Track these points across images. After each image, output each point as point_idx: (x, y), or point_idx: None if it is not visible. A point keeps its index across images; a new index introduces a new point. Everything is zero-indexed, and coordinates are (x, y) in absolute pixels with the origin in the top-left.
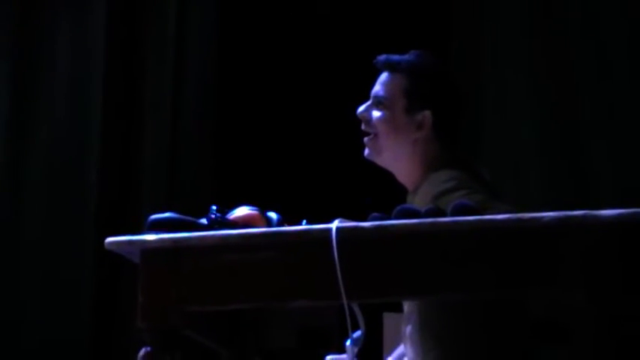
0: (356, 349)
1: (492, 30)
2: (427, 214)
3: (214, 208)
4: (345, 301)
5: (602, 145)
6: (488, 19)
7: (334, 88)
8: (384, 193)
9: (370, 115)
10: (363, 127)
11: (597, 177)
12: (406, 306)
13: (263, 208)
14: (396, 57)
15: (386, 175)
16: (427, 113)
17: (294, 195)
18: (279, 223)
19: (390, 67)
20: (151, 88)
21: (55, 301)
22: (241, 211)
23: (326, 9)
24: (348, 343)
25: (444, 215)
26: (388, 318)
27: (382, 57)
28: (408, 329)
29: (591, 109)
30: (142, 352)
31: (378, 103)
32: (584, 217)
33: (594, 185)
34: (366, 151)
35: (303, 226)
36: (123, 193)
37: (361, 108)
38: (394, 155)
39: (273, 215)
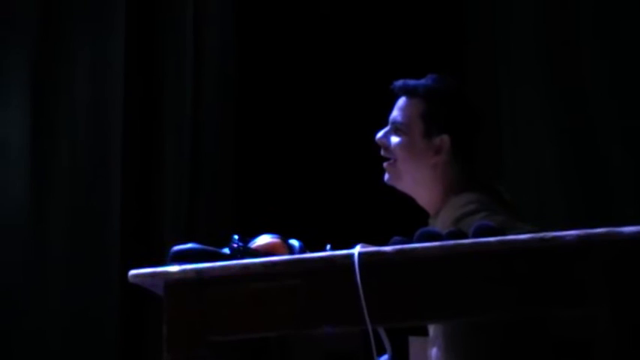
0: None
1: (508, 52)
2: (449, 237)
3: (236, 237)
4: (369, 326)
5: (620, 161)
6: (503, 40)
7: (357, 111)
8: (407, 217)
9: (389, 140)
10: (382, 152)
11: (618, 193)
12: (431, 329)
13: (284, 236)
14: (412, 82)
15: (407, 200)
16: (445, 137)
17: (316, 221)
18: (301, 251)
19: (407, 92)
20: (169, 119)
21: (80, 337)
22: (263, 240)
23: (355, 29)
24: None
25: (466, 237)
26: (414, 342)
27: (399, 82)
28: (434, 352)
29: (608, 125)
30: None
31: (396, 129)
32: (606, 234)
33: (615, 202)
34: (386, 177)
35: (325, 253)
36: (143, 223)
37: (380, 134)
38: (414, 180)
39: (295, 243)
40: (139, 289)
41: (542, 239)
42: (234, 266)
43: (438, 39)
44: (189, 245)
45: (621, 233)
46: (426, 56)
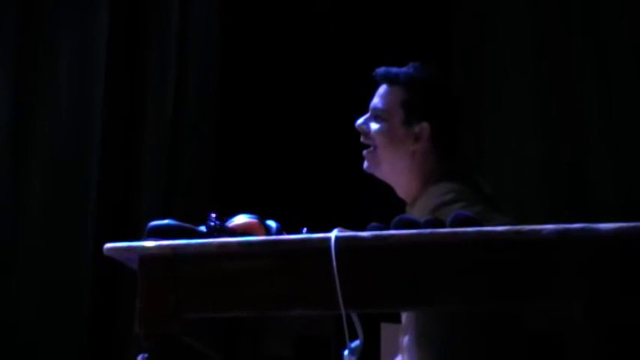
0: (354, 359)
1: (494, 41)
2: (426, 225)
3: (213, 215)
4: (342, 311)
5: (602, 157)
6: (490, 29)
7: (336, 96)
8: (384, 203)
9: (368, 127)
10: (362, 139)
11: (598, 190)
12: (404, 317)
13: (262, 217)
14: (394, 69)
15: (386, 187)
16: (425, 125)
17: (294, 204)
18: (278, 232)
19: (389, 79)
20: (151, 97)
21: (52, 305)
22: (240, 219)
23: (333, 23)
24: (345, 352)
25: (443, 226)
26: (386, 328)
27: (381, 69)
28: (406, 340)
29: (593, 120)
30: (140, 358)
31: (377, 116)
32: (583, 230)
33: (594, 198)
34: (365, 164)
35: (302, 235)
36: (122, 199)
37: (360, 120)
38: (392, 168)
39: (272, 224)
40: (113, 262)
41: (518, 232)
42: (210, 244)
43: (425, 26)
44: (166, 221)
45: (598, 230)
46: (412, 44)
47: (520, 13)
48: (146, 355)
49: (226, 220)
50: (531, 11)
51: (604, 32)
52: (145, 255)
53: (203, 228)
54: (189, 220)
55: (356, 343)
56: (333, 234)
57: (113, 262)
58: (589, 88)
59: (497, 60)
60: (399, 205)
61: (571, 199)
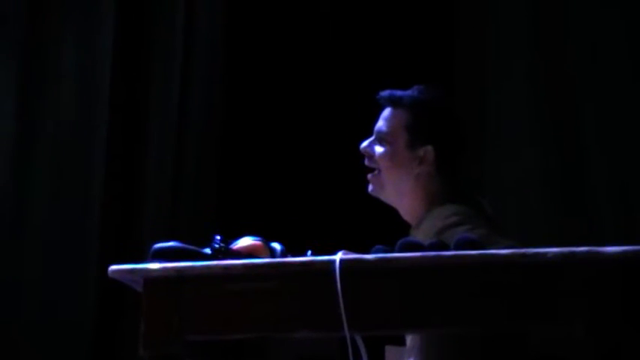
0: None
1: (496, 63)
2: (431, 248)
3: (218, 238)
4: (347, 333)
5: (605, 178)
6: (492, 50)
7: (344, 119)
8: (389, 226)
9: (373, 150)
10: (366, 162)
11: (601, 211)
12: (409, 339)
13: (266, 239)
14: (398, 92)
15: (391, 209)
16: (429, 148)
17: (298, 226)
18: (283, 254)
19: (393, 102)
20: (155, 113)
21: (55, 326)
22: (245, 242)
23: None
24: None
25: (448, 249)
26: (390, 351)
27: (385, 92)
28: None
29: (595, 142)
30: None
31: (381, 139)
32: (587, 253)
33: (597, 219)
34: (370, 187)
35: (307, 257)
36: (125, 220)
37: (364, 143)
38: (397, 191)
39: (276, 246)
40: (117, 284)
41: (523, 255)
42: (215, 266)
43: (427, 49)
44: (170, 243)
45: (602, 253)
46: (415, 65)
47: (520, 33)
48: None
49: (231, 242)
50: (531, 30)
51: (605, 58)
52: (149, 277)
53: (208, 250)
54: (193, 242)
55: None
56: (338, 256)
57: (117, 283)
58: (588, 111)
59: (498, 81)
60: (404, 227)
61: (571, 209)
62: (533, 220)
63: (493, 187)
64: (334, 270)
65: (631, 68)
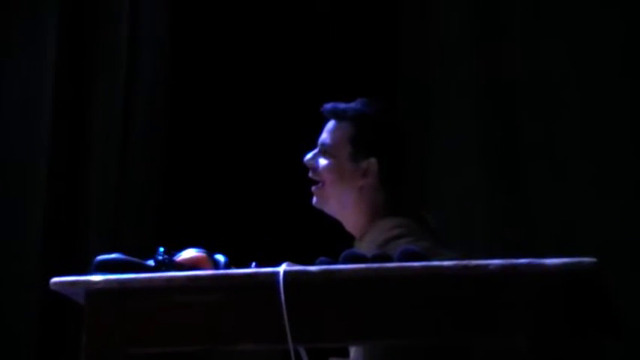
0: None
1: (440, 76)
2: (374, 260)
3: (161, 250)
4: (290, 345)
5: (546, 191)
6: (436, 63)
7: (289, 131)
8: (333, 238)
9: (317, 163)
10: (310, 174)
11: (542, 224)
12: (352, 351)
13: (210, 251)
14: (342, 105)
15: (334, 222)
16: (372, 161)
17: (242, 238)
18: (226, 266)
19: (337, 115)
20: (98, 125)
21: None
22: (188, 254)
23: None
24: None
25: (391, 261)
26: None
27: (329, 105)
28: None
29: (536, 152)
30: None
31: (325, 152)
32: (529, 265)
33: (539, 233)
34: (314, 199)
35: (250, 269)
36: (68, 232)
37: (308, 156)
38: (340, 203)
39: (220, 258)
40: (59, 296)
41: (465, 267)
42: (158, 278)
43: (371, 62)
44: (113, 255)
45: (543, 265)
46: (359, 78)
47: (464, 47)
48: None
49: (174, 255)
50: (474, 44)
51: (543, 57)
52: (92, 289)
53: (151, 262)
54: (136, 255)
55: None
56: (282, 268)
57: (59, 295)
58: (531, 120)
59: (441, 95)
60: (347, 240)
61: (514, 218)
62: (476, 233)
63: (436, 201)
64: (278, 282)
65: (575, 79)
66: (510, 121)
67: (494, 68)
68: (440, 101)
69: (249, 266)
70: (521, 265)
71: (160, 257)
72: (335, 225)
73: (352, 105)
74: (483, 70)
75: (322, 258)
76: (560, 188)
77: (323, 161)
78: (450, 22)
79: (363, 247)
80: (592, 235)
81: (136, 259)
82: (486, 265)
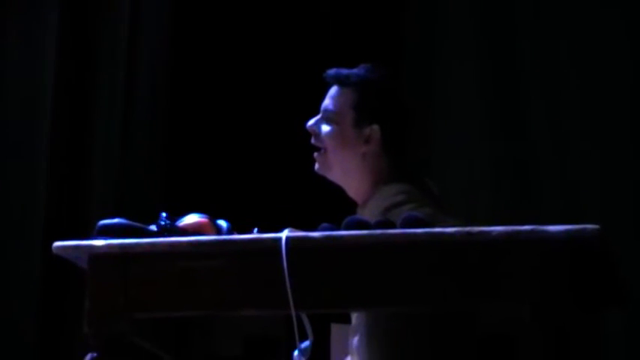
0: None
1: (444, 41)
2: (377, 226)
3: (164, 215)
4: (292, 311)
5: (551, 160)
6: (440, 31)
7: (291, 97)
8: (335, 205)
9: (319, 129)
10: (312, 141)
11: (546, 191)
12: (354, 317)
13: (213, 216)
14: (345, 71)
15: (337, 188)
16: (375, 127)
17: (245, 204)
18: (229, 232)
19: (339, 81)
20: (101, 95)
21: (1, 306)
22: (191, 219)
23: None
24: (295, 353)
25: (394, 227)
26: (336, 329)
27: (332, 71)
28: (356, 340)
29: (540, 123)
30: (88, 357)
31: (327, 118)
32: (532, 232)
33: (543, 200)
34: (316, 166)
35: (253, 235)
36: (72, 198)
37: (310, 122)
38: (343, 169)
39: (222, 223)
40: (62, 261)
41: (468, 233)
42: (161, 243)
43: (376, 26)
44: (115, 220)
45: (546, 231)
46: (364, 47)
47: (468, 15)
48: (94, 355)
49: (177, 220)
50: (479, 13)
51: (547, 34)
52: (94, 254)
53: (153, 227)
54: (139, 220)
55: (306, 344)
56: (284, 234)
57: (62, 260)
58: (534, 88)
59: (445, 61)
60: (350, 206)
61: (519, 197)
62: (480, 204)
63: (440, 170)
64: (280, 248)
65: (578, 63)
66: (515, 88)
67: (499, 45)
68: (444, 69)
69: (251, 232)
70: (524, 231)
71: (163, 222)
72: (337, 191)
73: (355, 71)
74: (487, 40)
75: (325, 224)
76: (566, 170)
77: (325, 127)
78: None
79: (366, 213)
80: (601, 199)
81: (138, 224)
82: (489, 232)
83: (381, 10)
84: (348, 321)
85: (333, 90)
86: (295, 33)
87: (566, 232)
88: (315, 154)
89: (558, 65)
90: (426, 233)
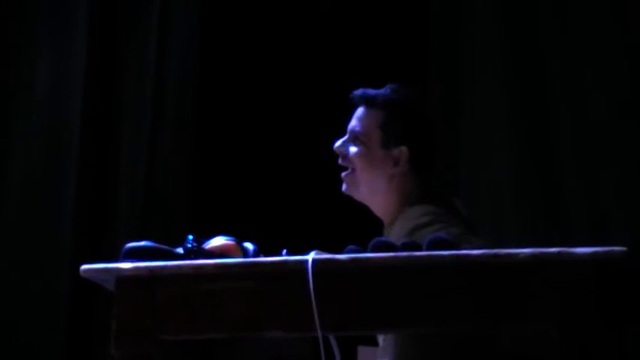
0: None
1: (471, 66)
2: (403, 248)
3: (191, 237)
4: (319, 333)
5: (576, 182)
6: (468, 50)
7: (318, 119)
8: (362, 226)
9: (347, 150)
10: (340, 161)
11: (573, 213)
12: (381, 339)
13: (239, 239)
14: (372, 92)
15: (364, 209)
16: (404, 149)
17: (272, 226)
18: (255, 254)
19: (366, 101)
20: (128, 117)
21: (27, 325)
22: (217, 241)
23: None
24: None
25: (420, 249)
26: (363, 351)
27: (358, 92)
28: None
29: (567, 144)
30: None
31: (355, 139)
32: (559, 254)
33: (571, 221)
34: (344, 186)
35: (279, 257)
36: (99, 220)
37: (338, 143)
38: (371, 190)
39: (249, 246)
40: (90, 283)
41: (495, 255)
42: (187, 266)
43: (403, 48)
44: (142, 243)
45: (573, 254)
46: (389, 67)
47: (494, 31)
48: None
49: (203, 242)
50: (505, 28)
51: (575, 53)
52: (122, 276)
53: (180, 250)
54: (166, 242)
55: None
56: (310, 256)
57: (90, 282)
58: (561, 107)
59: (472, 82)
60: (377, 227)
61: (544, 218)
62: (507, 224)
63: (467, 192)
64: (307, 270)
65: (602, 75)
66: (542, 109)
67: (526, 59)
68: (470, 91)
69: (279, 254)
70: (551, 254)
71: (189, 245)
72: (364, 212)
73: (382, 91)
74: (514, 58)
75: (351, 246)
76: (593, 180)
77: (353, 148)
78: (481, 15)
79: (393, 234)
80: (625, 224)
81: (165, 247)
82: (516, 254)
83: (408, 29)
84: (375, 343)
85: (360, 111)
86: (324, 47)
87: (593, 254)
88: (343, 174)
89: (584, 85)
90: (452, 255)
